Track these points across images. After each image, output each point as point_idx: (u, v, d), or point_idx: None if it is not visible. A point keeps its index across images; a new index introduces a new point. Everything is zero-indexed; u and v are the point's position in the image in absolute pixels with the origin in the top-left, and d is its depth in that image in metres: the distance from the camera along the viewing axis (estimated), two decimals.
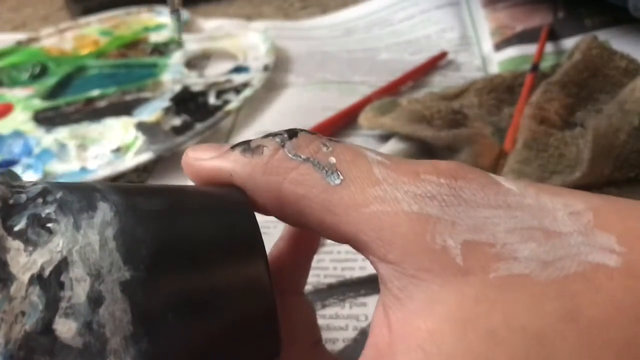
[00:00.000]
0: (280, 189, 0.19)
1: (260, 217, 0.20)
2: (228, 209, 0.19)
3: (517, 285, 0.16)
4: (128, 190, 0.18)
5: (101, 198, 0.17)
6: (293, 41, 0.65)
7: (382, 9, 0.69)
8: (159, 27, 0.70)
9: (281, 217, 0.20)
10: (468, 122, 0.44)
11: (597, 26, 0.55)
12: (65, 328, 0.15)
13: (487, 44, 0.59)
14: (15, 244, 0.16)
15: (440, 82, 0.55)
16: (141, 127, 0.51)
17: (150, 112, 0.53)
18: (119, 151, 0.49)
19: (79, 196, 0.17)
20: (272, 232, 0.38)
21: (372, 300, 0.35)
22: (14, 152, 0.51)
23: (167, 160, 0.49)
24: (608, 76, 0.46)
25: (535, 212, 0.17)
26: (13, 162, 0.49)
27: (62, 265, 0.16)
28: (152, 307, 0.16)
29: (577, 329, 0.16)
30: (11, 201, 0.16)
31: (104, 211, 0.17)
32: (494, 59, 0.57)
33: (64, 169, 0.48)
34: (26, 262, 0.15)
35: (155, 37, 0.67)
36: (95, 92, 0.57)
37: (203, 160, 0.21)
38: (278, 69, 0.59)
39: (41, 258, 0.15)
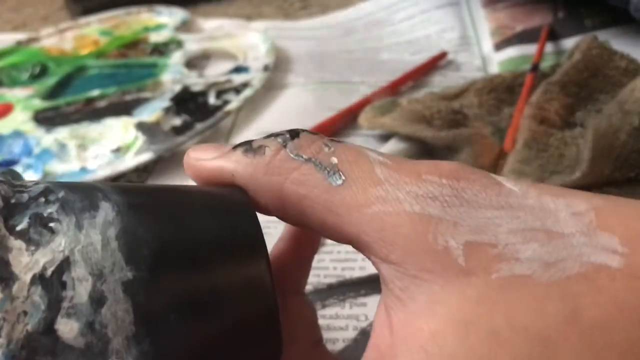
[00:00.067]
0: (282, 189, 0.19)
1: (260, 217, 0.20)
2: (230, 209, 0.19)
3: (519, 286, 0.16)
4: (130, 190, 0.18)
5: (103, 198, 0.17)
6: (293, 41, 0.65)
7: (382, 9, 0.69)
8: (159, 27, 0.70)
9: (283, 217, 0.20)
10: (468, 122, 0.44)
11: (597, 26, 0.55)
12: (68, 328, 0.15)
13: (487, 44, 0.59)
14: (17, 244, 0.16)
15: (440, 82, 0.55)
16: (141, 127, 0.51)
17: (150, 112, 0.53)
18: (119, 151, 0.49)
19: (81, 196, 0.17)
20: (273, 232, 0.38)
21: (372, 300, 0.35)
22: (14, 152, 0.51)
23: (167, 160, 0.49)
24: (608, 76, 0.46)
25: (537, 213, 0.17)
26: (13, 162, 0.49)
27: (64, 265, 0.16)
28: (154, 307, 0.16)
29: (579, 330, 0.16)
30: (13, 200, 0.16)
31: (106, 211, 0.17)
32: (494, 59, 0.57)
33: (64, 169, 0.48)
34: (28, 262, 0.15)
35: (155, 37, 0.67)
36: (95, 92, 0.57)
37: (205, 160, 0.21)
38: (278, 69, 0.59)
39: (43, 258, 0.15)
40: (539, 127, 0.42)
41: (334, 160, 0.19)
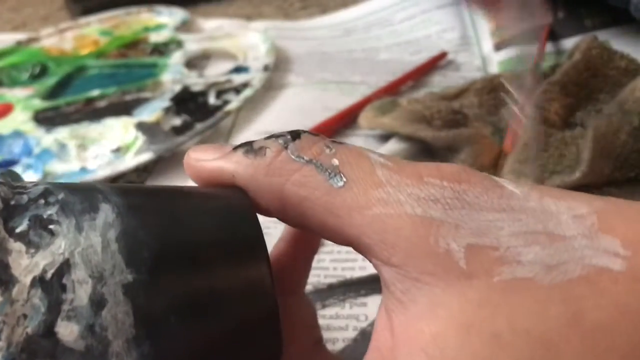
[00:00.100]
0: (283, 190, 0.19)
1: (260, 217, 0.20)
2: (230, 210, 0.19)
3: (521, 289, 0.16)
4: (130, 191, 0.18)
5: (103, 199, 0.17)
6: (293, 41, 0.65)
7: (382, 9, 0.69)
8: (159, 27, 0.70)
9: (283, 218, 0.20)
10: (468, 122, 0.44)
11: (597, 26, 0.55)
12: (68, 331, 0.15)
13: (487, 44, 0.59)
14: (17, 246, 0.15)
15: (440, 82, 0.55)
16: (141, 127, 0.51)
17: (150, 112, 0.53)
18: (119, 151, 0.49)
19: (81, 197, 0.17)
20: (273, 232, 0.38)
21: (372, 300, 0.35)
22: (14, 152, 0.51)
23: (167, 160, 0.49)
24: (608, 76, 0.46)
25: (539, 216, 0.17)
26: (13, 162, 0.49)
27: (64, 267, 0.15)
28: (155, 309, 0.16)
29: (581, 333, 0.15)
30: (12, 202, 0.16)
31: (106, 213, 0.17)
32: (494, 59, 0.57)
33: (64, 169, 0.48)
34: (28, 264, 0.15)
35: (155, 37, 0.67)
36: (95, 92, 0.57)
37: (205, 160, 0.21)
38: (278, 69, 0.59)
39: (43, 260, 0.15)
40: (539, 127, 0.42)
41: (335, 161, 0.19)
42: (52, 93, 0.59)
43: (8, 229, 0.16)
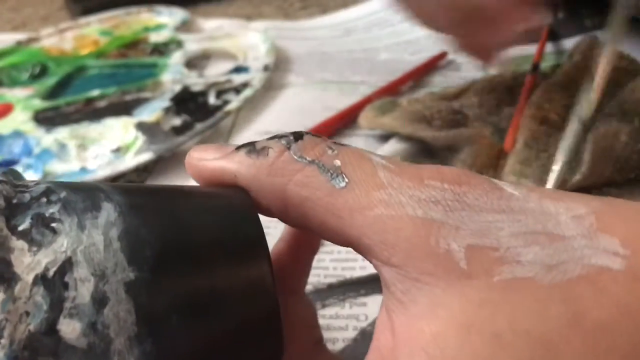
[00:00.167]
0: (285, 190, 0.19)
1: (261, 217, 0.20)
2: (232, 210, 0.19)
3: (521, 289, 0.16)
4: (132, 190, 0.18)
5: (105, 198, 0.17)
6: (293, 41, 0.65)
7: (382, 9, 0.69)
8: (159, 27, 0.70)
9: (284, 219, 0.20)
10: (468, 122, 0.44)
11: (597, 26, 0.55)
12: (70, 328, 0.15)
13: None
14: (19, 244, 0.16)
15: (440, 82, 0.55)
16: (141, 127, 0.51)
17: (150, 112, 0.53)
18: (119, 151, 0.49)
19: (83, 196, 0.17)
20: (273, 232, 0.38)
21: (372, 300, 0.35)
22: (14, 152, 0.51)
23: (167, 160, 0.49)
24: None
25: (538, 217, 0.17)
26: (13, 162, 0.49)
27: (67, 265, 0.15)
28: (156, 308, 0.16)
29: (581, 333, 0.16)
30: (15, 200, 0.16)
31: (108, 211, 0.17)
32: None
33: (64, 169, 0.48)
34: (30, 262, 0.15)
35: (155, 37, 0.67)
36: (95, 92, 0.57)
37: (207, 160, 0.21)
38: (278, 69, 0.59)
39: (45, 258, 0.15)
40: (539, 127, 0.42)
41: (338, 162, 0.19)
42: (52, 93, 0.59)
43: (10, 227, 0.16)
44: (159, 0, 0.74)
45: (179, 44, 0.65)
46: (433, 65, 0.57)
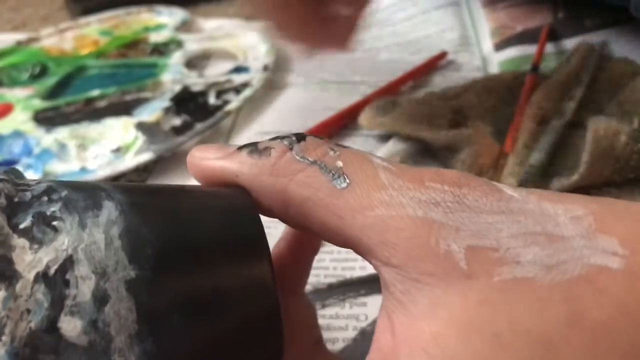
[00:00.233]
0: (286, 190, 0.19)
1: (262, 217, 0.20)
2: (233, 209, 0.19)
3: (521, 289, 0.16)
4: (133, 189, 0.18)
5: (106, 197, 0.17)
6: None
7: (382, 9, 0.69)
8: (159, 27, 0.70)
9: (285, 219, 0.20)
10: (468, 122, 0.44)
11: (597, 26, 0.55)
12: (71, 326, 0.15)
13: (487, 44, 0.59)
14: (20, 242, 0.16)
15: (440, 82, 0.55)
16: (141, 127, 0.51)
17: (150, 112, 0.53)
18: (119, 151, 0.49)
19: (84, 195, 0.17)
20: (273, 232, 0.38)
21: (372, 300, 0.35)
22: (14, 152, 0.51)
23: (167, 160, 0.49)
24: (608, 77, 0.46)
25: (538, 217, 0.17)
26: (13, 162, 0.49)
27: (68, 263, 0.16)
28: (157, 306, 0.16)
29: (581, 333, 0.16)
30: (16, 199, 0.16)
31: (109, 210, 0.17)
32: (494, 59, 0.57)
33: (64, 169, 0.48)
34: (31, 260, 0.15)
35: (155, 37, 0.67)
36: (95, 92, 0.57)
37: (209, 160, 0.21)
38: (278, 69, 0.59)
39: (46, 256, 0.15)
40: (539, 127, 0.42)
41: (339, 163, 0.19)
42: (52, 93, 0.59)
43: (12, 225, 0.16)
44: (159, 0, 0.74)
45: (179, 44, 0.65)
46: (433, 65, 0.57)
